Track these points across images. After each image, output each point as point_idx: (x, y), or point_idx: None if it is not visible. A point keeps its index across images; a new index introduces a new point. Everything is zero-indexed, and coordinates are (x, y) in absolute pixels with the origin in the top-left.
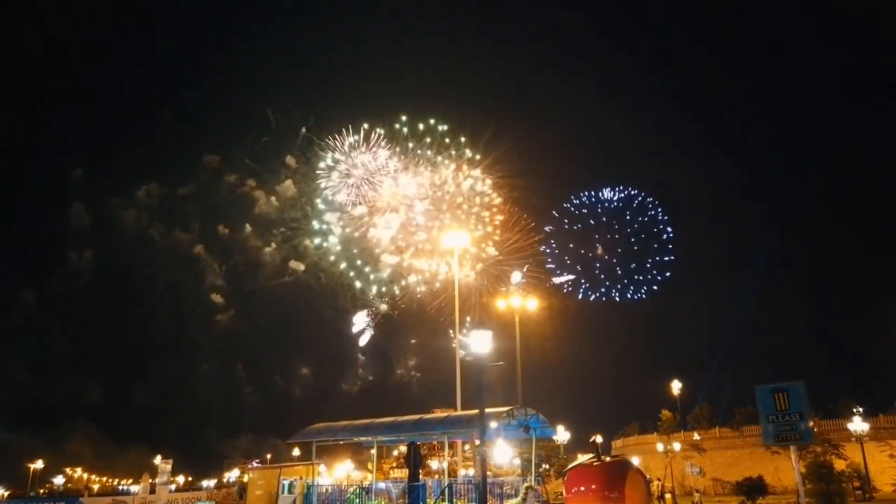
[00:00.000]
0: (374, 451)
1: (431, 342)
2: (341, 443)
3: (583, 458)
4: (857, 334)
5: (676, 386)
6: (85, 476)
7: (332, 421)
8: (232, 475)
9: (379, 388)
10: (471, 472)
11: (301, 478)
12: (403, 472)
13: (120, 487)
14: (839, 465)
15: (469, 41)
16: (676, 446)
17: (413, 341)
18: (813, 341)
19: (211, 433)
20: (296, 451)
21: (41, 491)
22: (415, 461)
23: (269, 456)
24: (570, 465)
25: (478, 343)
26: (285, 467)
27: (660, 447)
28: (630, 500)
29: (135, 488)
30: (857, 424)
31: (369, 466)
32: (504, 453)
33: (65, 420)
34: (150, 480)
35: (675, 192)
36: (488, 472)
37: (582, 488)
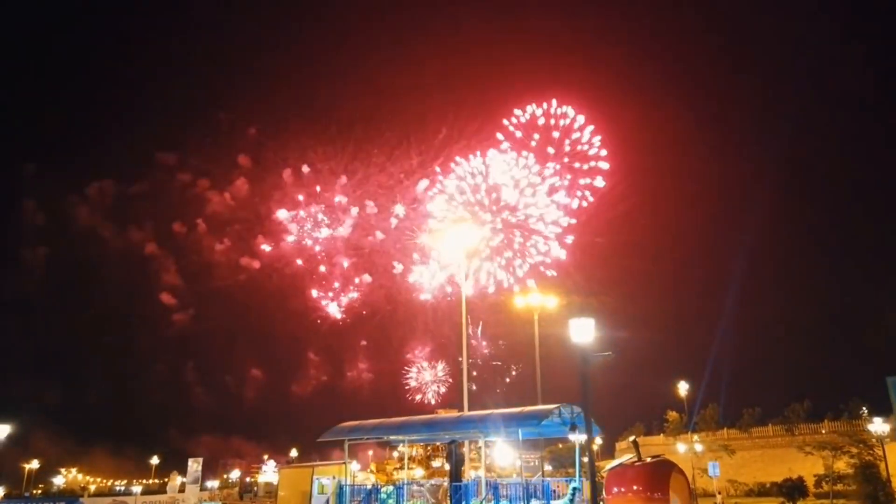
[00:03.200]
0: (405, 450)
1: (385, 345)
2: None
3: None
4: (863, 332)
5: (683, 387)
6: (80, 476)
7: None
8: (233, 475)
9: (332, 390)
10: (480, 472)
11: (334, 477)
12: (407, 474)
13: (117, 488)
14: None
15: None
16: (698, 447)
17: (364, 343)
18: (818, 341)
19: (173, 433)
20: (293, 452)
21: (35, 491)
22: (456, 460)
23: (266, 456)
24: (608, 466)
25: (580, 332)
26: (318, 466)
27: (681, 448)
28: (673, 499)
29: (136, 489)
30: (878, 426)
31: (371, 468)
32: (506, 455)
33: (25, 420)
34: (181, 479)
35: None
36: (490, 474)
37: (623, 489)
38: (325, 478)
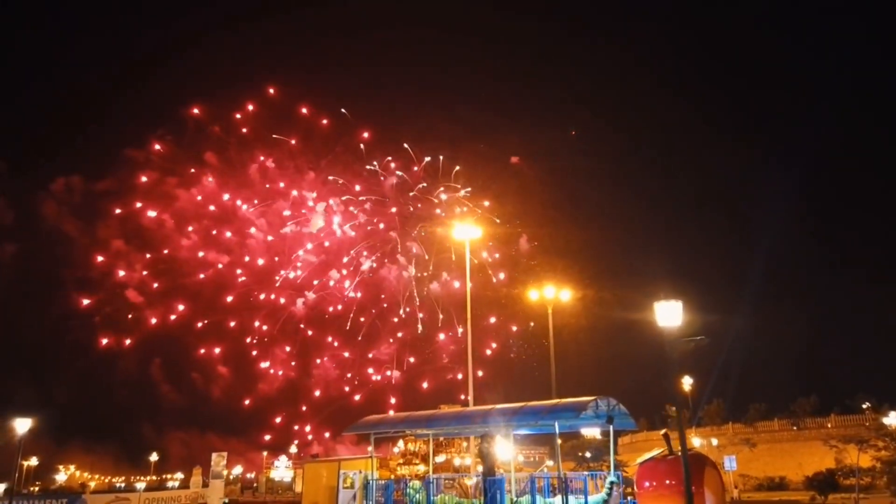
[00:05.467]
0: (411, 446)
1: (352, 342)
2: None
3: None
4: (867, 327)
5: (687, 381)
6: (77, 474)
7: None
8: (234, 471)
9: (299, 387)
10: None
11: (361, 471)
12: (409, 470)
13: (117, 485)
14: None
15: None
16: (714, 441)
17: (330, 339)
18: (822, 335)
19: (147, 430)
20: (293, 449)
21: (31, 488)
22: (489, 454)
23: (265, 454)
24: (639, 459)
25: (667, 316)
26: (344, 460)
27: (696, 442)
28: (707, 496)
29: (140, 485)
30: (893, 419)
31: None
32: (506, 449)
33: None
34: (200, 474)
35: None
36: (497, 469)
37: (654, 483)
38: (351, 472)
